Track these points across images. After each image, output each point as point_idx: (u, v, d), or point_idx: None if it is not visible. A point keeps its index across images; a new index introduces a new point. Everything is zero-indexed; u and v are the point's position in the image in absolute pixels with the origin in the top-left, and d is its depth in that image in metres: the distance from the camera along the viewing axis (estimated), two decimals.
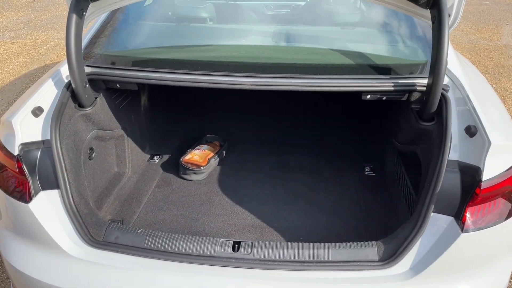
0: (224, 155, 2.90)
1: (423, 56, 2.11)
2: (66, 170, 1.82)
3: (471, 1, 9.78)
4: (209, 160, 2.70)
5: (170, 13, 2.77)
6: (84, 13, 1.88)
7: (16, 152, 1.77)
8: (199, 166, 2.63)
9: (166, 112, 3.18)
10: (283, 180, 2.64)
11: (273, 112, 3.41)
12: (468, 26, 7.94)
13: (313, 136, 3.18)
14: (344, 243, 1.72)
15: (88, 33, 2.37)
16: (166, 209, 2.37)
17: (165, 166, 2.79)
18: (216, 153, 2.81)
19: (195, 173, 2.63)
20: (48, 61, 6.43)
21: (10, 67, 6.23)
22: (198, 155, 2.71)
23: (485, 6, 9.41)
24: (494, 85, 5.32)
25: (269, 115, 3.39)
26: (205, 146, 2.84)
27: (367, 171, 2.70)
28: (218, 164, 2.81)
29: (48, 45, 7.16)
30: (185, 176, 2.65)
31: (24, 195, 1.77)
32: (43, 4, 10.16)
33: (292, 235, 2.16)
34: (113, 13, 2.51)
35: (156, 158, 2.85)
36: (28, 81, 5.64)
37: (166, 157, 2.89)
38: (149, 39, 2.46)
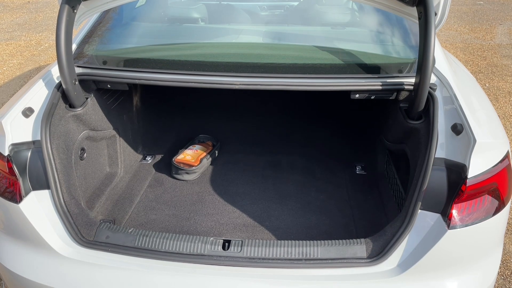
0: (216, 155, 2.91)
1: (411, 55, 2.12)
2: (56, 170, 1.83)
3: (465, 1, 9.83)
4: (201, 160, 2.71)
5: (162, 13, 2.78)
6: (75, 11, 1.88)
7: (6, 153, 1.77)
8: (191, 166, 2.64)
9: (158, 112, 3.18)
10: (274, 179, 2.65)
11: (266, 112, 3.42)
12: (462, 26, 7.98)
13: (305, 135, 3.19)
14: (333, 241, 1.74)
15: (79, 34, 2.38)
16: (158, 209, 2.38)
17: (158, 166, 2.79)
18: (208, 153, 2.82)
19: (187, 173, 2.64)
20: (43, 62, 6.42)
21: (5, 68, 6.22)
22: (190, 155, 2.72)
23: (479, 6, 9.46)
24: (487, 84, 5.35)
25: (262, 115, 3.40)
26: (197, 146, 2.84)
27: (358, 170, 2.71)
28: (211, 164, 2.82)
29: (42, 47, 7.15)
30: (177, 176, 2.66)
31: (15, 196, 1.78)
32: (37, 6, 10.14)
33: (283, 234, 2.17)
34: (104, 14, 2.52)
35: (148, 158, 2.86)
36: (22, 83, 5.63)
37: (158, 157, 2.89)
38: (140, 39, 2.46)
